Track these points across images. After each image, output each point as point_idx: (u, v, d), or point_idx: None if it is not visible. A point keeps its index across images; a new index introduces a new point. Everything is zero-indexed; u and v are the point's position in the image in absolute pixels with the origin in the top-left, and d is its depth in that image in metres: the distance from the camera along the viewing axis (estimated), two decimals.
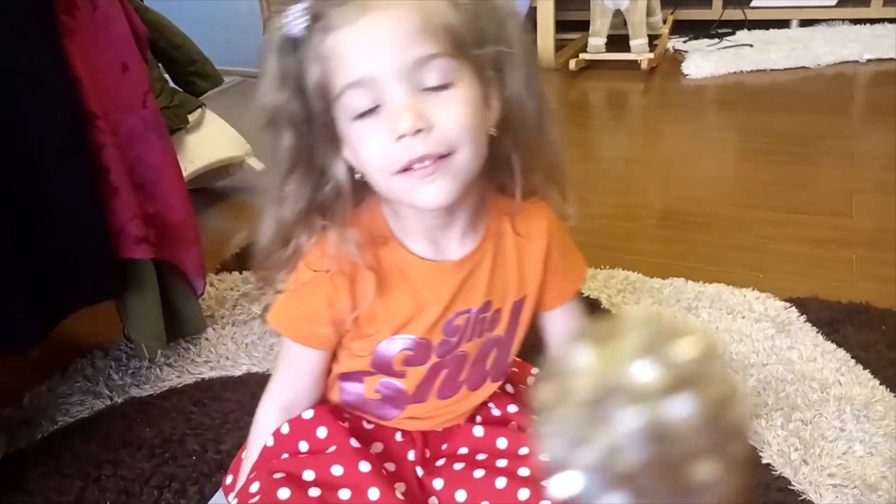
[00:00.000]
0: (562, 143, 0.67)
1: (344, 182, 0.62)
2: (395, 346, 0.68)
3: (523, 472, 0.68)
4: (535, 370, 0.86)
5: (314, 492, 0.67)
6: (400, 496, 0.67)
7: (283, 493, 0.66)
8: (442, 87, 0.56)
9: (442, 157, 0.56)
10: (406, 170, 0.56)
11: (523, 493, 0.66)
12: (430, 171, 0.56)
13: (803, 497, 0.84)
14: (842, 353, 1.06)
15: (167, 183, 1.06)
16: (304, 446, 0.72)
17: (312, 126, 0.60)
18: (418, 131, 0.55)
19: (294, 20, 0.58)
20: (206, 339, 1.23)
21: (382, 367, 0.70)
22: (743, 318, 1.16)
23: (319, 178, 0.63)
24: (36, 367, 1.19)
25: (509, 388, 0.80)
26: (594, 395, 0.26)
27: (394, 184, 0.58)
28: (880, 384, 0.99)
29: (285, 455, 0.72)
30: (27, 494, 0.95)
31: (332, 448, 0.70)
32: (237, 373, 1.15)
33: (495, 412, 0.76)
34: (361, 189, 0.64)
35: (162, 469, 0.97)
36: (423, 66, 0.55)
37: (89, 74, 0.93)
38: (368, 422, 0.75)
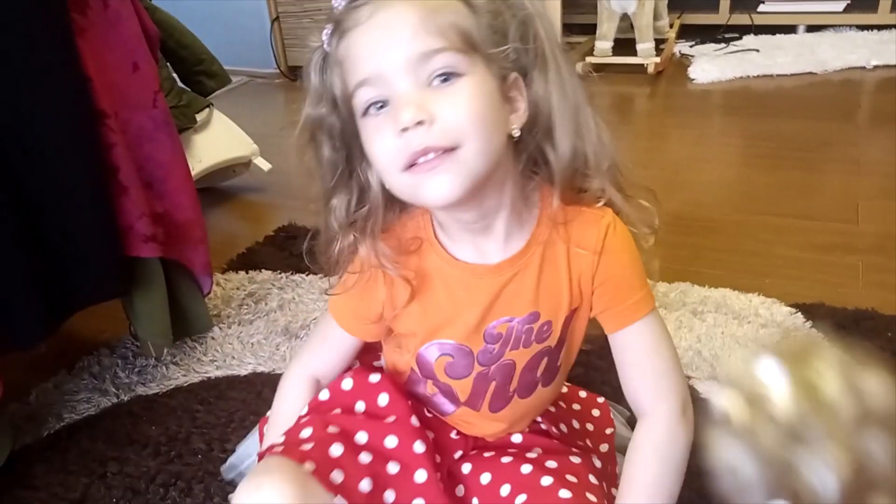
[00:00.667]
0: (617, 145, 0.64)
1: (376, 193, 0.63)
2: (433, 352, 0.68)
3: (550, 464, 0.68)
4: (583, 394, 0.86)
5: (365, 457, 0.65)
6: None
7: (336, 448, 0.65)
8: (448, 81, 0.56)
9: (448, 150, 0.55)
10: (412, 165, 0.56)
11: (546, 480, 0.65)
12: (434, 165, 0.55)
13: None
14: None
15: (176, 182, 1.06)
16: (360, 406, 0.71)
17: (346, 138, 0.61)
18: (420, 123, 0.54)
19: (325, 35, 0.60)
20: (212, 339, 1.24)
21: (428, 373, 0.70)
22: (749, 323, 1.16)
23: (361, 192, 0.64)
24: (42, 364, 1.19)
25: (562, 404, 0.80)
26: (787, 418, 0.26)
27: (402, 181, 0.57)
28: None
29: (338, 410, 0.70)
30: (33, 490, 0.95)
31: (392, 418, 0.69)
32: (243, 372, 1.16)
33: (543, 426, 0.75)
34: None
35: (167, 467, 0.97)
36: (429, 60, 0.55)
37: (100, 73, 0.94)
38: (429, 411, 0.74)
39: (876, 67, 2.44)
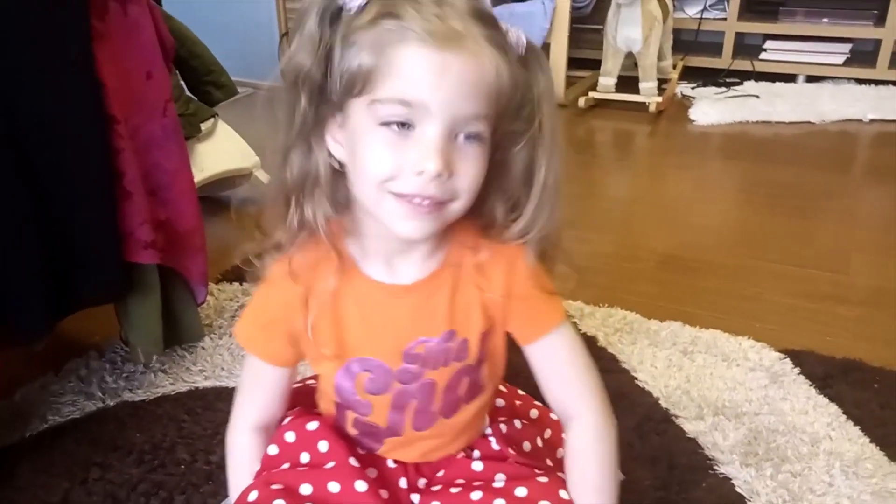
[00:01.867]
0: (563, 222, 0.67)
1: (324, 165, 0.62)
2: (353, 369, 0.68)
3: (520, 492, 0.67)
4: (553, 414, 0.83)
5: None
6: None
7: None
8: (470, 142, 0.59)
9: (441, 202, 0.59)
10: (403, 196, 0.58)
11: None
12: (426, 210, 0.58)
13: None
14: (834, 408, 1.07)
15: (180, 190, 1.07)
16: (305, 458, 0.72)
17: (321, 97, 0.60)
18: (438, 176, 0.57)
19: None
20: (203, 349, 1.23)
21: (347, 397, 0.70)
22: (738, 365, 1.16)
23: (314, 158, 0.63)
24: (30, 363, 1.19)
25: (517, 423, 0.79)
26: None
27: (384, 199, 0.59)
28: (870, 442, 1.00)
29: (286, 465, 0.72)
30: (14, 490, 0.94)
31: (332, 464, 0.70)
32: (231, 384, 1.15)
33: (495, 447, 0.75)
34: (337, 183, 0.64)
35: (150, 476, 0.96)
36: (470, 123, 0.58)
37: (114, 79, 0.94)
38: (362, 447, 0.75)
39: (872, 121, 2.48)
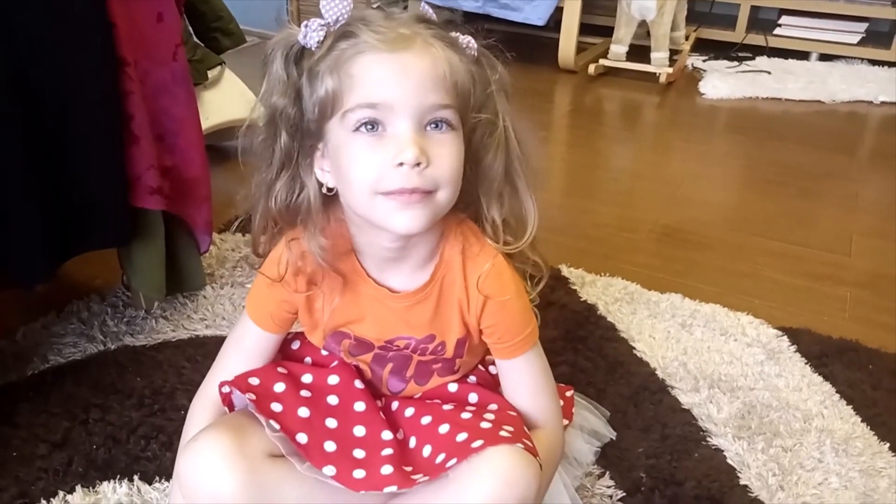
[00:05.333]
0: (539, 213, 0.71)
1: (314, 194, 0.67)
2: (338, 336, 0.75)
3: (489, 416, 0.71)
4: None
5: (305, 392, 0.74)
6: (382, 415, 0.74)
7: (279, 386, 0.73)
8: (440, 129, 0.63)
9: (427, 192, 0.62)
10: (391, 193, 0.62)
11: (485, 424, 0.69)
12: (415, 200, 0.62)
13: None
14: (827, 386, 1.08)
15: (187, 137, 1.06)
16: (308, 360, 0.80)
17: (300, 132, 0.65)
18: (417, 164, 0.61)
19: (312, 31, 0.63)
20: (204, 297, 1.24)
21: (333, 352, 0.79)
22: (735, 340, 1.18)
23: (302, 186, 0.68)
24: (32, 304, 1.19)
25: (493, 369, 0.82)
26: None
27: (376, 203, 0.63)
28: (861, 421, 1.01)
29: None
30: (14, 427, 0.95)
31: (335, 363, 0.77)
32: None
33: (471, 378, 0.80)
34: (331, 202, 0.69)
35: (150, 420, 0.97)
36: (436, 111, 0.62)
37: (125, 20, 0.93)
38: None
39: (883, 103, 2.46)
